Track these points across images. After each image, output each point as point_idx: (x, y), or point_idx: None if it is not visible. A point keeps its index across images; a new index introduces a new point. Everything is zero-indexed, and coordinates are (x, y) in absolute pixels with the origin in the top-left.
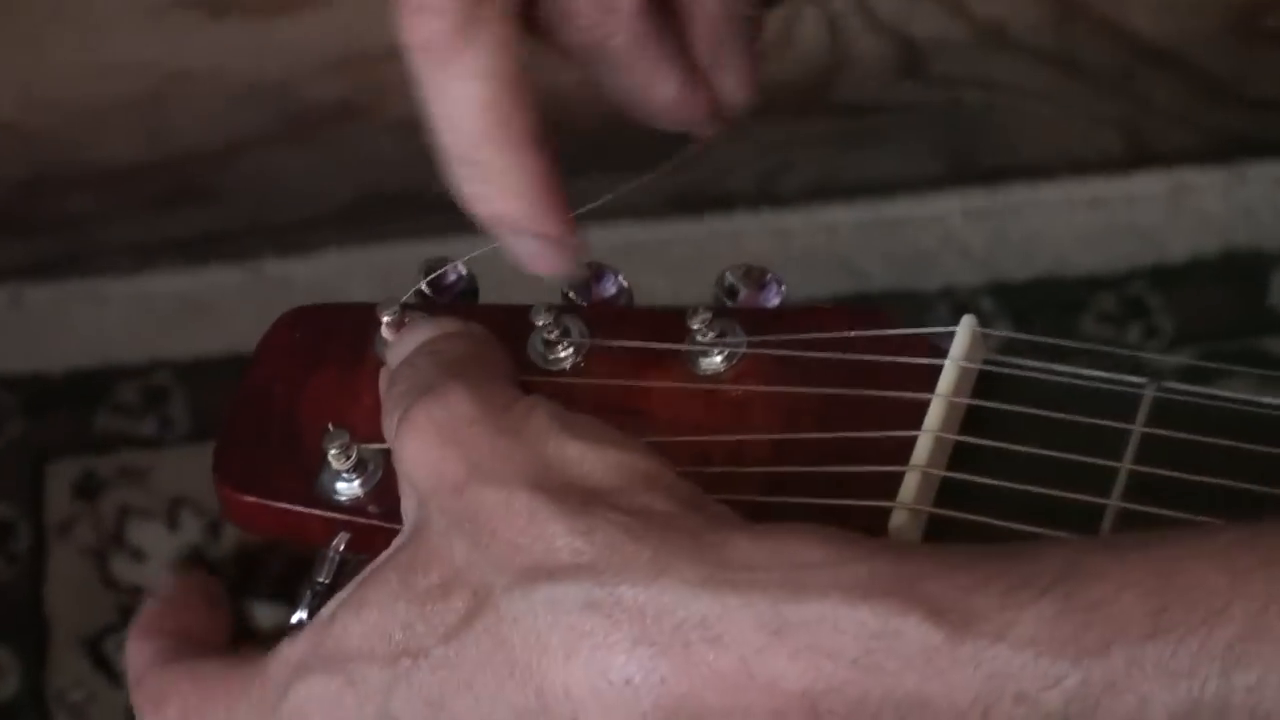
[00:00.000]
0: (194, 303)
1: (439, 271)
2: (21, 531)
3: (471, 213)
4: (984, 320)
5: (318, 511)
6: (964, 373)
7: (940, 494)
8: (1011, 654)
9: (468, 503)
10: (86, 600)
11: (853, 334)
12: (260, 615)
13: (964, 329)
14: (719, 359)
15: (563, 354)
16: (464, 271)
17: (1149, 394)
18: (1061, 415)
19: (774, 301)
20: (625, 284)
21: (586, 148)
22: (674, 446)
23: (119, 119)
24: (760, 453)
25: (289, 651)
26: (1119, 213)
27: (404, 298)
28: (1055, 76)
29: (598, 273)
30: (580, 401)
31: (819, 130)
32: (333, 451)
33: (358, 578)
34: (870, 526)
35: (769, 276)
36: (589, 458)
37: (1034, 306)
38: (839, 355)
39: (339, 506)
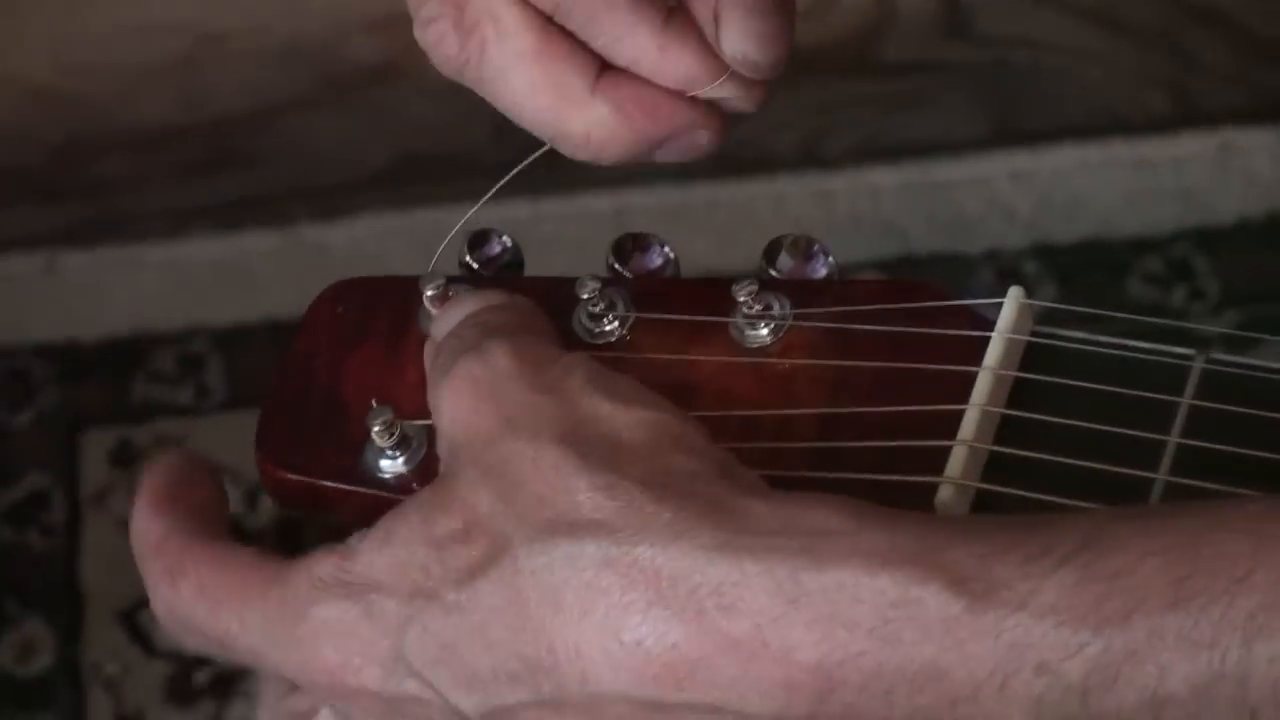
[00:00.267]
0: (230, 269)
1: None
2: (56, 502)
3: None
4: (1028, 283)
5: (361, 489)
6: (1011, 345)
7: (987, 468)
8: (1032, 623)
9: (498, 453)
10: (122, 572)
11: (900, 307)
12: None
13: (1011, 301)
14: (765, 331)
15: (608, 327)
16: (509, 243)
17: (1197, 365)
18: (1109, 388)
19: (821, 273)
20: (671, 255)
21: None
22: (721, 420)
23: (154, 82)
24: (807, 426)
25: (317, 568)
26: (1165, 174)
27: (440, 268)
28: (1101, 36)
29: (644, 244)
30: (626, 374)
31: (863, 91)
32: (376, 428)
33: (390, 513)
34: (917, 501)
35: (816, 247)
36: (620, 416)
37: (1079, 269)
38: (886, 328)
39: (383, 484)
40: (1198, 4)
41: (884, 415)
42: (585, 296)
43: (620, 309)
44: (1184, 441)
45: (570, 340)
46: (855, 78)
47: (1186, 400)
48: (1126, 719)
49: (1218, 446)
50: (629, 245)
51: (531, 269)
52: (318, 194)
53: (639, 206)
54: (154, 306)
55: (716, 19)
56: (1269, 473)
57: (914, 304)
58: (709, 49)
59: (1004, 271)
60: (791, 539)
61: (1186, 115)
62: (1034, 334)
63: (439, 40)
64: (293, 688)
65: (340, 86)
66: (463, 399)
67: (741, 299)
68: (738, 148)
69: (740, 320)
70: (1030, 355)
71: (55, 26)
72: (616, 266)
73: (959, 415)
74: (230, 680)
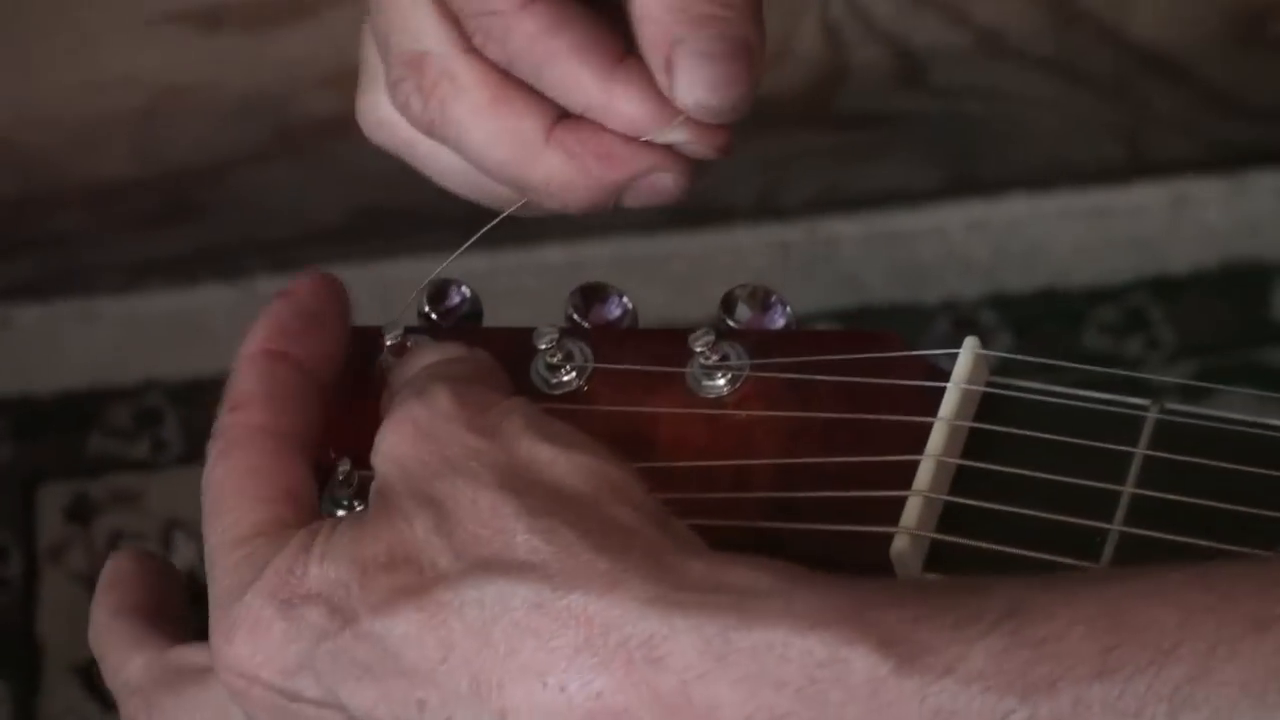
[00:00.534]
0: (186, 322)
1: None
2: (13, 557)
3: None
4: (985, 333)
5: None
6: (966, 395)
7: (943, 519)
8: (959, 688)
9: (438, 489)
10: (79, 626)
11: (856, 357)
12: None
13: (967, 351)
14: (722, 382)
15: (565, 377)
16: (468, 294)
17: (1152, 416)
18: (1064, 438)
19: (779, 323)
20: (630, 305)
21: None
22: (677, 470)
23: (110, 135)
24: (763, 477)
25: (277, 558)
26: (1120, 224)
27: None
28: (1056, 86)
29: (602, 295)
30: (583, 425)
31: (818, 142)
32: (339, 478)
33: (328, 526)
34: (872, 552)
35: (774, 298)
36: (560, 462)
37: (1035, 319)
38: (842, 378)
39: None
40: (1152, 54)
41: (840, 465)
42: (543, 347)
43: (578, 359)
44: (1139, 491)
45: (528, 391)
46: (811, 129)
47: (1141, 450)
48: None
49: (1172, 496)
50: (587, 296)
51: (489, 320)
52: (273, 247)
53: (596, 258)
54: (110, 360)
55: (668, 66)
56: (1222, 522)
57: (871, 354)
58: (658, 93)
59: (961, 321)
60: (723, 596)
61: (1141, 165)
62: (989, 384)
63: (405, 102)
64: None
65: (295, 140)
66: (403, 437)
67: (698, 349)
68: (694, 199)
69: (697, 370)
70: (986, 405)
71: (11, 80)
72: (575, 317)
73: (914, 466)
74: None
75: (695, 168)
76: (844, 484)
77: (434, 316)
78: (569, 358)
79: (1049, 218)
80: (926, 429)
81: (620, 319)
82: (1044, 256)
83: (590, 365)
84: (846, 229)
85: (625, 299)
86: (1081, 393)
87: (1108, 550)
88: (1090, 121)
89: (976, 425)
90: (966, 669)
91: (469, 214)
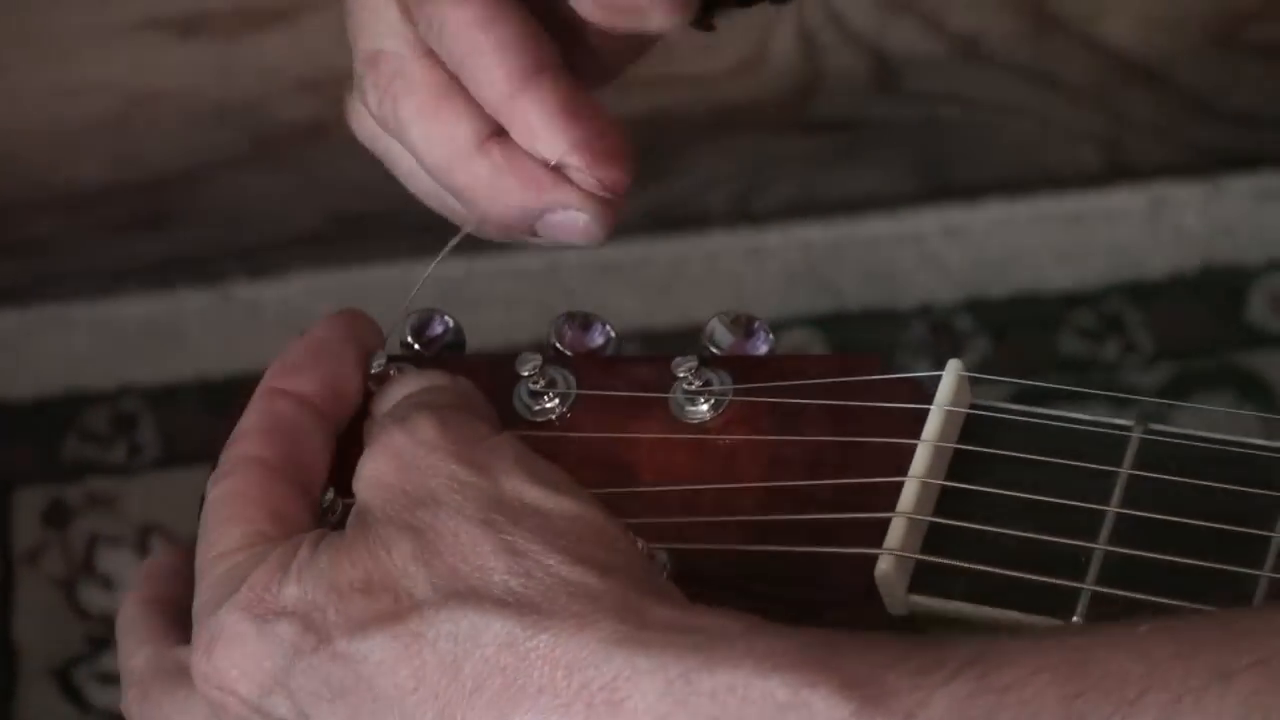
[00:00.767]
0: (162, 327)
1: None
2: None
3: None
4: (961, 338)
5: None
6: (950, 417)
7: (927, 540)
8: None
9: (419, 519)
10: (56, 630)
11: (839, 380)
12: None
13: (950, 373)
14: (705, 407)
15: (548, 404)
16: (450, 323)
17: (1136, 436)
18: (1048, 459)
19: (762, 350)
20: (613, 334)
21: None
22: (661, 496)
23: (85, 142)
24: (748, 501)
25: (256, 573)
26: (1097, 229)
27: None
28: (1032, 91)
29: (585, 322)
30: (566, 452)
31: (793, 148)
32: (324, 505)
33: (307, 544)
34: (857, 574)
35: (757, 324)
36: (545, 502)
37: (1012, 323)
38: (826, 402)
39: None
40: (1128, 59)
41: (824, 488)
42: (525, 374)
43: (561, 386)
44: (1123, 511)
45: (511, 418)
46: (786, 134)
47: (1125, 470)
48: None
49: (1156, 516)
50: (570, 323)
51: (464, 326)
52: (249, 253)
53: (571, 263)
54: (86, 365)
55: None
56: (1205, 541)
57: (853, 377)
58: (565, 113)
59: (937, 327)
60: (688, 637)
61: (1118, 170)
62: (973, 406)
63: (365, 99)
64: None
65: (271, 146)
66: (386, 464)
67: (681, 375)
68: (669, 204)
69: (680, 396)
70: (970, 427)
71: None
72: (557, 345)
73: (898, 488)
74: None
75: (612, 217)
76: (828, 507)
77: (416, 346)
78: (552, 384)
79: (1025, 223)
80: (910, 451)
81: (603, 346)
82: (1020, 261)
83: (573, 392)
84: (822, 234)
85: (608, 326)
86: (1065, 414)
87: (1092, 570)
88: (1067, 127)
89: (960, 446)
90: (928, 714)
91: (445, 219)
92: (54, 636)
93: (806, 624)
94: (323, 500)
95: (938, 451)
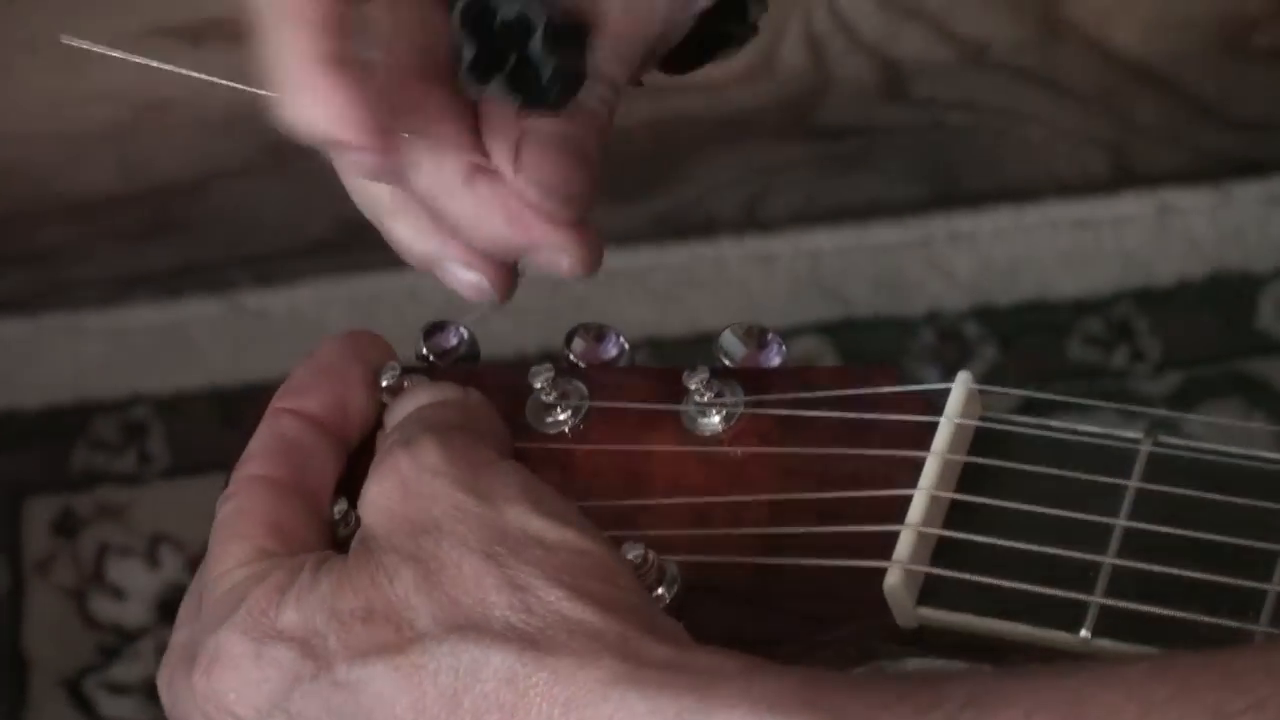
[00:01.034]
0: (171, 336)
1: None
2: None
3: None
4: (969, 344)
5: None
6: (959, 430)
7: (936, 553)
8: None
9: (422, 548)
10: (66, 640)
11: (850, 393)
12: None
13: (959, 386)
14: (717, 419)
15: (561, 416)
16: (465, 334)
17: (1145, 448)
18: (1057, 471)
19: (775, 361)
20: (626, 345)
21: None
22: (673, 508)
23: (94, 150)
24: (759, 513)
25: (255, 592)
26: (1105, 235)
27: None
28: (1040, 97)
29: (599, 334)
30: (578, 464)
31: (802, 154)
32: (335, 517)
33: (310, 569)
34: (866, 586)
35: (769, 336)
36: (550, 536)
37: (1020, 331)
38: (836, 414)
39: None
40: (1136, 65)
41: (834, 500)
42: (538, 386)
43: (573, 398)
44: (1131, 524)
45: (524, 430)
46: (794, 141)
47: (1134, 483)
48: None
49: (1164, 529)
50: (584, 335)
51: (474, 334)
52: (258, 261)
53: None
54: (96, 374)
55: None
56: (1213, 554)
57: (864, 390)
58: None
59: (945, 334)
60: (685, 677)
61: (1126, 176)
62: (983, 418)
63: None
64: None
65: (279, 154)
66: (388, 491)
67: (693, 387)
68: (677, 212)
69: (692, 408)
70: (979, 440)
71: None
72: (571, 356)
73: (908, 500)
74: None
75: (595, 255)
76: (838, 519)
77: (431, 358)
78: (564, 396)
79: (1033, 229)
80: (920, 463)
81: (617, 358)
82: (1029, 268)
83: (586, 404)
84: (830, 241)
85: (622, 338)
86: (1074, 426)
87: (1101, 583)
88: (1075, 133)
89: (970, 459)
90: None
91: None
92: (64, 646)
93: (817, 635)
94: (334, 511)
95: (947, 464)
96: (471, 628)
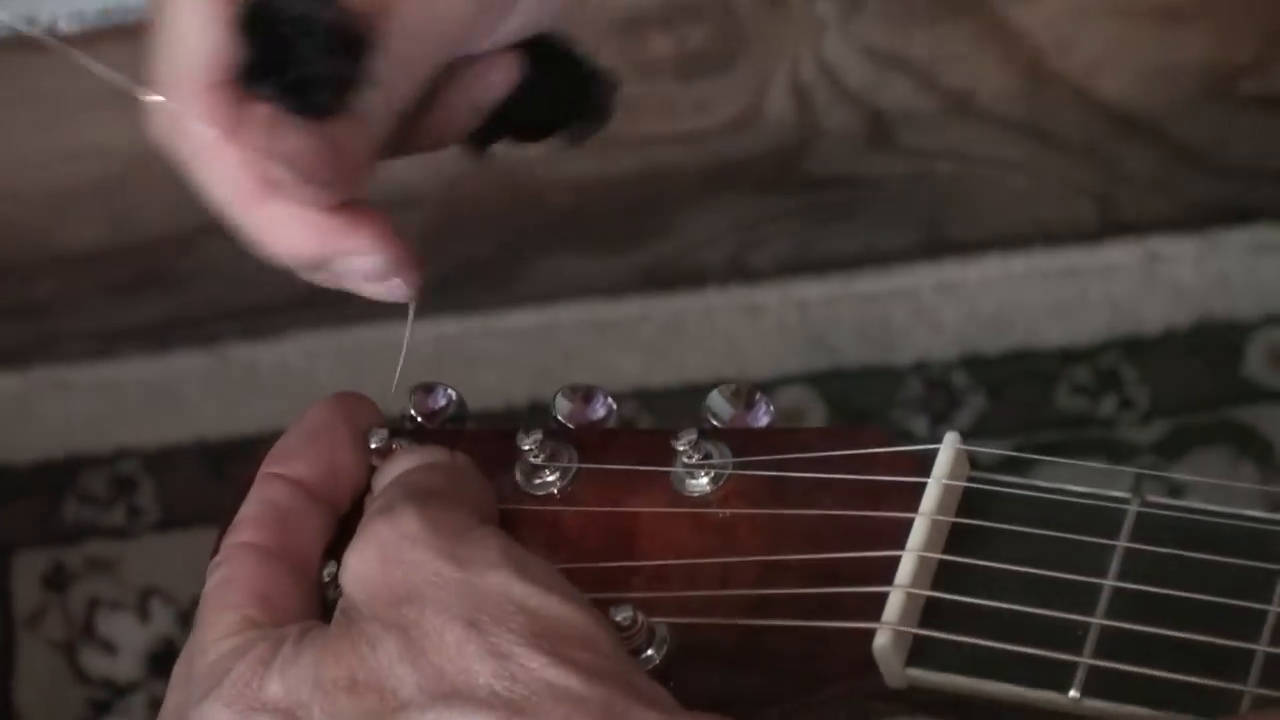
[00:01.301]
0: (160, 389)
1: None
2: None
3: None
4: (957, 394)
5: None
6: (947, 491)
7: (925, 614)
8: None
9: (404, 616)
10: (57, 694)
11: (838, 454)
12: None
13: (947, 446)
14: (705, 480)
15: (550, 478)
16: (453, 395)
17: (1133, 509)
18: (1045, 531)
19: (763, 421)
20: (614, 406)
21: (555, 225)
22: (662, 570)
23: (81, 205)
24: (747, 575)
25: (239, 666)
26: (1092, 284)
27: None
28: (1026, 146)
29: (586, 394)
30: (567, 526)
31: (789, 204)
32: (325, 580)
33: (293, 640)
34: (855, 648)
35: (757, 396)
36: (532, 603)
37: (1007, 380)
38: (825, 475)
39: None
40: (1122, 114)
41: (822, 562)
42: (526, 448)
43: (562, 460)
44: (1120, 584)
45: (513, 493)
46: (781, 191)
47: (1122, 543)
48: None
49: (1153, 589)
50: (572, 396)
51: (459, 385)
52: (245, 313)
53: (566, 321)
54: (84, 429)
55: None
56: (1201, 614)
57: (852, 451)
58: None
59: (933, 384)
60: None
61: (1113, 225)
62: (971, 479)
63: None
64: None
65: None
66: (368, 560)
67: (681, 448)
68: (665, 262)
69: (681, 469)
70: (967, 500)
71: None
72: (559, 418)
73: (896, 561)
74: None
75: (407, 266)
76: (826, 580)
77: (420, 419)
78: (553, 458)
79: (1020, 278)
80: (908, 524)
81: (605, 419)
82: (1015, 317)
83: (574, 466)
84: (817, 291)
85: (610, 399)
86: (1062, 487)
87: (1089, 644)
88: (1061, 182)
89: (958, 520)
90: None
91: (444, 278)
92: (55, 701)
93: (806, 697)
94: (324, 575)
95: (935, 525)
96: (456, 696)
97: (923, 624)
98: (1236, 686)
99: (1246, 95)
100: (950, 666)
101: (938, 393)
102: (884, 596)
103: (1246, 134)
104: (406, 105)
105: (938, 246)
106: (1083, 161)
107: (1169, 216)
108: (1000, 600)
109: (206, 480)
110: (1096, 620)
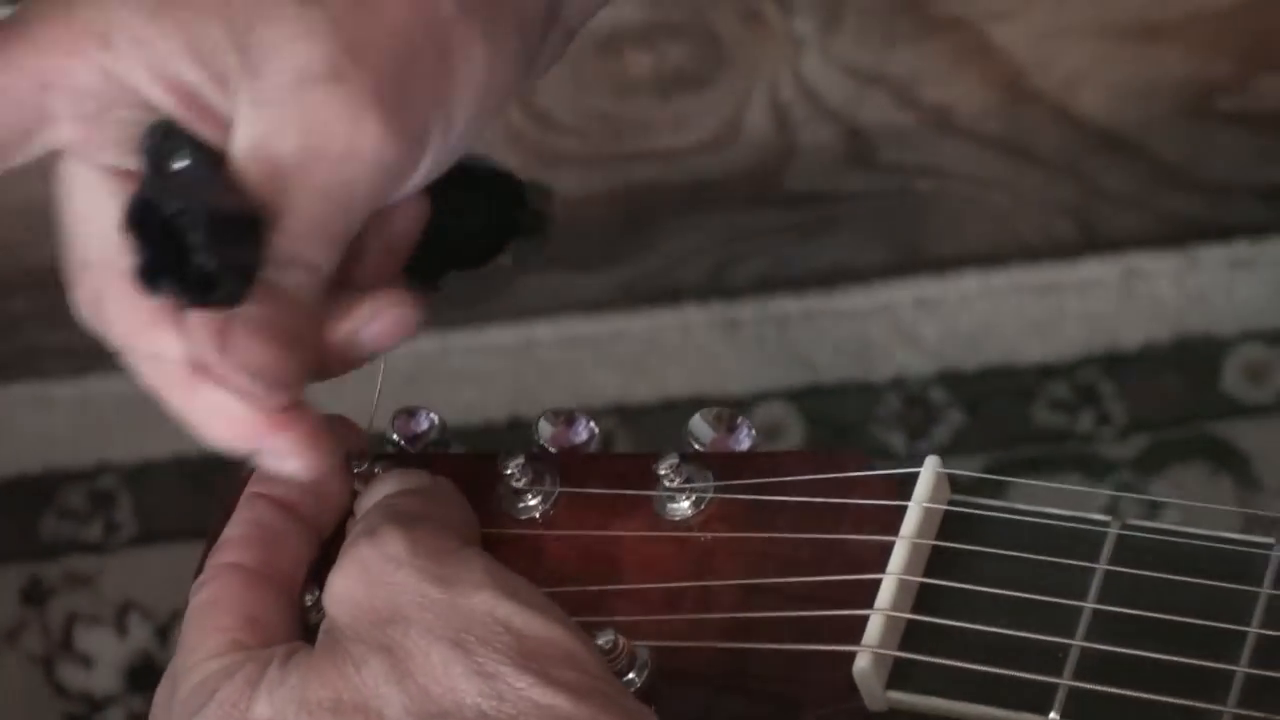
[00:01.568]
0: (138, 405)
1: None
2: None
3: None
4: (935, 410)
5: None
6: (928, 514)
7: (906, 637)
8: None
9: (389, 637)
10: (35, 709)
11: (819, 478)
12: None
13: (928, 469)
14: (687, 504)
15: (532, 502)
16: (435, 420)
17: (1113, 531)
18: (1026, 554)
19: (744, 445)
20: (596, 430)
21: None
22: (644, 593)
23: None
24: (728, 598)
25: (225, 687)
26: (1070, 300)
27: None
28: (1005, 163)
29: (569, 418)
30: (549, 550)
31: (768, 221)
32: (308, 603)
33: (278, 663)
34: (836, 671)
35: (739, 420)
36: (517, 623)
37: (985, 396)
38: (806, 499)
39: None
40: (1102, 131)
41: (803, 585)
42: (509, 472)
43: (545, 484)
44: (1100, 607)
45: (496, 517)
46: (760, 208)
47: (1102, 565)
48: None
49: (1132, 611)
50: (554, 420)
51: (439, 402)
52: None
53: (545, 338)
54: (63, 444)
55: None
56: (1181, 636)
57: (833, 474)
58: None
59: (911, 400)
60: None
61: (1091, 241)
62: (951, 502)
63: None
64: None
65: None
66: (352, 581)
67: (663, 472)
68: (643, 278)
69: (662, 494)
70: (948, 523)
71: None
72: (540, 441)
73: (877, 584)
74: None
75: (319, 458)
76: (807, 604)
77: (402, 444)
78: (535, 482)
79: (999, 294)
80: (889, 548)
81: (587, 443)
82: (994, 333)
83: (557, 490)
84: (796, 307)
85: (592, 422)
86: (1043, 510)
87: (1069, 665)
88: (1040, 198)
89: (939, 543)
90: None
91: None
92: (33, 715)
93: (787, 719)
94: (306, 599)
95: (916, 548)
96: (443, 716)
97: (903, 647)
98: (1216, 708)
99: (1224, 112)
100: (931, 689)
101: (916, 409)
102: (865, 620)
103: (1224, 150)
104: (332, 268)
105: (916, 263)
106: (1062, 178)
107: (1147, 233)
108: (981, 623)
109: (185, 495)
110: (1077, 642)
